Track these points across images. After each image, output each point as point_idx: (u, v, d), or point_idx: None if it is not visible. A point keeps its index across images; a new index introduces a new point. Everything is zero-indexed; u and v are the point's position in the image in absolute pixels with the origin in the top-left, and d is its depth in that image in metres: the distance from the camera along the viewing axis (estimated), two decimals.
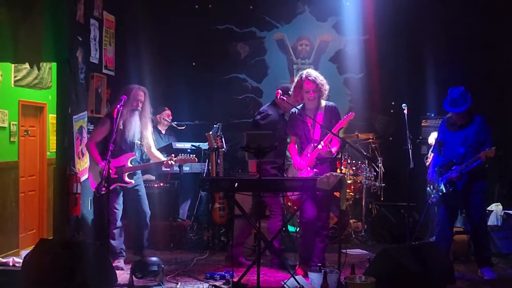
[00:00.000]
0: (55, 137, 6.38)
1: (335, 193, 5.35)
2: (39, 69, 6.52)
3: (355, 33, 8.28)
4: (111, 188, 5.52)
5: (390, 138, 7.98)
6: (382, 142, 7.74)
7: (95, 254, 4.87)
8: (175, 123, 7.47)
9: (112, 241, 5.72)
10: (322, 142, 5.32)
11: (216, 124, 7.06)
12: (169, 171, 6.72)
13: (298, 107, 5.55)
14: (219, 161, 6.68)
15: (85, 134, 6.41)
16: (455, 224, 5.94)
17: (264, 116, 5.78)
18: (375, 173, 7.37)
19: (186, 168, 7.11)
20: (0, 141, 6.23)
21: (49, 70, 6.80)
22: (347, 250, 5.92)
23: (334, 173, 5.01)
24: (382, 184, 7.29)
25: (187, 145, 7.05)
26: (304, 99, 5.50)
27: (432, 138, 6.46)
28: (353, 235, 7.19)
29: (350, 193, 7.21)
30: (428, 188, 5.75)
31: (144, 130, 5.93)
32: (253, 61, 8.51)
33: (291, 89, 5.61)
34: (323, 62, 8.42)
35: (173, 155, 5.93)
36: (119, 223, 5.81)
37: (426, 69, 7.70)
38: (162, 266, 5.16)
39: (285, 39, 8.50)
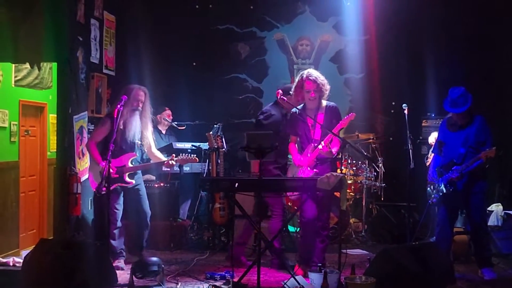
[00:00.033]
0: (55, 137, 6.39)
1: (335, 193, 5.36)
2: (39, 69, 6.52)
3: (355, 33, 8.28)
4: (111, 188, 5.51)
5: (391, 138, 8.00)
6: (383, 142, 7.76)
7: (95, 254, 4.86)
8: (176, 123, 7.47)
9: (112, 241, 5.72)
10: (322, 142, 5.31)
11: (216, 124, 7.07)
12: (170, 171, 6.71)
13: (298, 107, 5.55)
14: (219, 161, 6.68)
15: (85, 134, 6.40)
16: (455, 224, 5.93)
17: (267, 116, 5.78)
18: (375, 173, 7.37)
19: (186, 168, 7.11)
20: (1, 141, 6.23)
21: (49, 70, 6.80)
22: (347, 250, 5.91)
23: (334, 173, 5.01)
24: (383, 184, 7.29)
25: (188, 145, 7.04)
26: (304, 99, 5.49)
27: (433, 138, 6.46)
28: (353, 235, 7.18)
29: (351, 193, 7.21)
30: (428, 188, 5.75)
31: (144, 130, 5.92)
32: (253, 61, 8.51)
33: (292, 89, 5.60)
34: (324, 62, 8.42)
35: (174, 155, 5.93)
36: (119, 223, 5.81)
37: (426, 69, 7.69)
38: (162, 266, 5.15)
39: (286, 39, 8.50)
